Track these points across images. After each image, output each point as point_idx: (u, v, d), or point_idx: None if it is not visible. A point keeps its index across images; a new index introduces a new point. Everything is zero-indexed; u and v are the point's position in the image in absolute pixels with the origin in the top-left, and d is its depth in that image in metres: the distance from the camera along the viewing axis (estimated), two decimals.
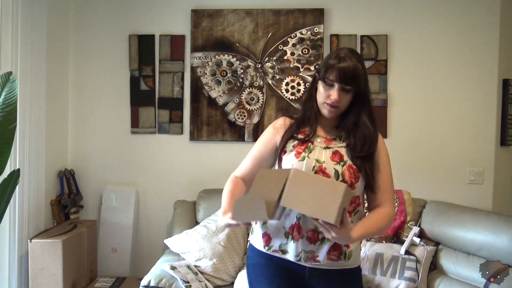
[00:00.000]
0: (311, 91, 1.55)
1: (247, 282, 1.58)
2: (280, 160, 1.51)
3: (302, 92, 3.02)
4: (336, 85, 1.43)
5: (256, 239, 1.54)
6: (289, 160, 1.48)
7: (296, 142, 1.51)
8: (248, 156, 1.61)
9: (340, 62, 1.43)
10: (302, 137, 1.51)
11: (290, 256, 1.46)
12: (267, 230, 1.50)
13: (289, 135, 1.52)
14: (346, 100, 1.46)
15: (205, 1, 3.08)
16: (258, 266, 1.52)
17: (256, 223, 1.55)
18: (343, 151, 1.48)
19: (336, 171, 1.43)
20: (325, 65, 1.46)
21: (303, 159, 1.45)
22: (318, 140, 1.51)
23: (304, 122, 1.54)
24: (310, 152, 1.46)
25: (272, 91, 3.05)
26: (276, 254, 1.49)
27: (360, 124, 1.48)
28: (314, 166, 1.43)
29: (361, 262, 2.48)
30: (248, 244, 1.63)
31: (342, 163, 1.45)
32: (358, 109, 1.49)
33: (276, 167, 1.55)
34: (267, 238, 1.50)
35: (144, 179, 3.14)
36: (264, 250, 1.51)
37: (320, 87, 1.48)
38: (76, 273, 2.65)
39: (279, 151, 1.53)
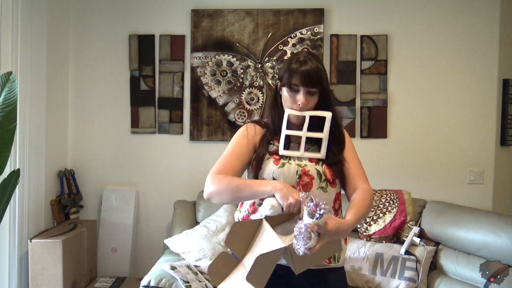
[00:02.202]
0: (276, 98, 1.55)
1: None
2: (259, 168, 1.48)
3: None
4: (302, 89, 1.44)
5: None
6: (269, 168, 1.46)
7: (273, 149, 1.50)
8: (226, 158, 1.51)
9: (302, 65, 1.44)
10: (278, 144, 1.50)
11: (282, 261, 1.41)
12: None
13: (267, 145, 1.51)
14: (313, 102, 1.47)
15: (205, 1, 3.08)
16: None
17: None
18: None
19: (318, 172, 1.45)
20: (288, 70, 1.46)
21: (283, 165, 1.45)
22: (292, 145, 1.51)
23: (275, 130, 1.53)
24: (289, 158, 1.47)
25: (272, 91, 3.05)
26: None
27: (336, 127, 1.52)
28: (297, 171, 1.44)
29: (360, 262, 2.48)
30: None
31: (320, 163, 1.48)
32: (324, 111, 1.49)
33: (248, 174, 1.55)
34: None
35: (144, 179, 3.14)
36: None
37: (285, 93, 1.48)
38: (76, 273, 2.65)
39: (257, 160, 1.49)
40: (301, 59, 1.46)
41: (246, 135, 1.53)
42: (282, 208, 1.30)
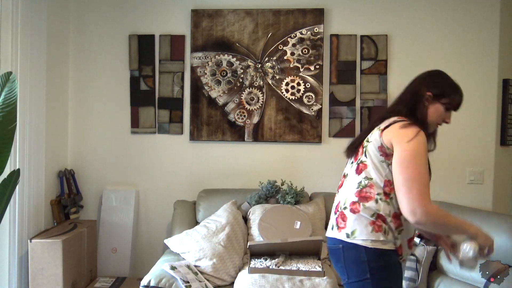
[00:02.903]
0: (416, 106, 1.65)
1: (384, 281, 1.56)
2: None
3: (302, 92, 3.03)
4: (452, 113, 1.66)
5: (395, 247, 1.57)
6: None
7: None
8: (424, 176, 1.49)
9: (462, 96, 1.66)
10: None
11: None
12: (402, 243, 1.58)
13: None
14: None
15: (205, 1, 3.08)
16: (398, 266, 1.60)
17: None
18: None
19: None
20: (458, 95, 1.64)
21: None
22: None
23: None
24: None
25: (272, 91, 3.05)
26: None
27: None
28: None
29: None
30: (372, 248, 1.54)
31: None
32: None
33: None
34: (401, 250, 1.58)
35: (144, 179, 3.14)
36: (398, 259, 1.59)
37: (441, 108, 1.63)
38: (76, 273, 2.66)
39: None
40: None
41: (426, 150, 1.56)
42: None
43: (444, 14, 2.98)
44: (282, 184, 2.91)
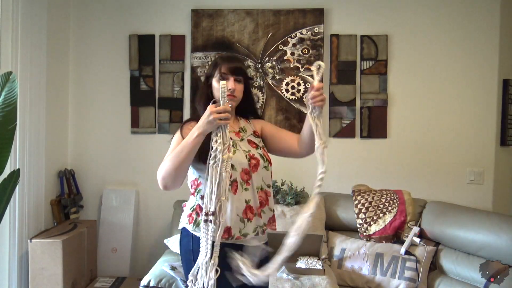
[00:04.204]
0: (207, 91, 1.67)
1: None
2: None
3: (303, 92, 3.03)
4: (231, 77, 1.61)
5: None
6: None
7: None
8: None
9: (229, 61, 1.67)
10: None
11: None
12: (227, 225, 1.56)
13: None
14: (240, 89, 1.65)
15: (205, 1, 3.08)
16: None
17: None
18: (252, 138, 1.70)
19: (260, 155, 1.64)
20: (215, 64, 1.66)
21: (235, 152, 1.58)
22: (231, 135, 1.59)
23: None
24: (235, 146, 1.61)
25: (272, 91, 3.05)
26: (238, 241, 1.58)
27: (255, 112, 1.79)
28: (246, 156, 1.60)
29: (360, 262, 2.48)
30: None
31: (259, 148, 1.67)
32: (248, 99, 1.72)
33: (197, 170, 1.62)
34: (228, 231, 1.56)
35: (144, 179, 3.14)
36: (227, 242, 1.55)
37: (215, 83, 1.63)
38: (76, 273, 2.65)
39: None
40: (224, 57, 1.72)
41: (180, 136, 1.68)
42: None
43: (444, 14, 2.98)
44: (282, 184, 2.91)
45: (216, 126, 1.44)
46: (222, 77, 1.62)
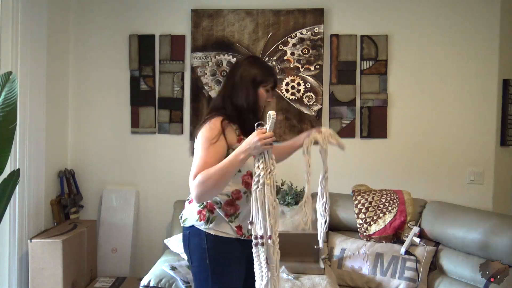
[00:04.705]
0: (254, 95, 1.69)
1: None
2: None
3: (303, 92, 3.03)
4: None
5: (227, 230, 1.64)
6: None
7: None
8: (210, 156, 1.57)
9: (277, 77, 1.77)
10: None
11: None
12: (241, 224, 1.65)
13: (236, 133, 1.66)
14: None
15: (205, 1, 3.08)
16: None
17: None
18: None
19: None
20: (271, 74, 1.72)
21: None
22: None
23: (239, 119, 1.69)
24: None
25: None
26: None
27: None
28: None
29: (360, 262, 2.48)
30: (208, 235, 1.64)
31: None
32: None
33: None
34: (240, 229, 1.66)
35: (144, 179, 3.14)
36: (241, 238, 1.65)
37: (263, 91, 1.71)
38: (76, 273, 2.65)
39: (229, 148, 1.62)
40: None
41: (219, 133, 1.66)
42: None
43: (444, 14, 2.98)
44: (282, 184, 2.91)
45: (261, 151, 1.47)
46: (268, 91, 1.73)
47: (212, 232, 1.61)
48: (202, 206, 1.63)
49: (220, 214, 1.63)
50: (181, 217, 1.72)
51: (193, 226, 1.63)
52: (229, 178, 1.53)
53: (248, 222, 1.49)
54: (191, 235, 1.65)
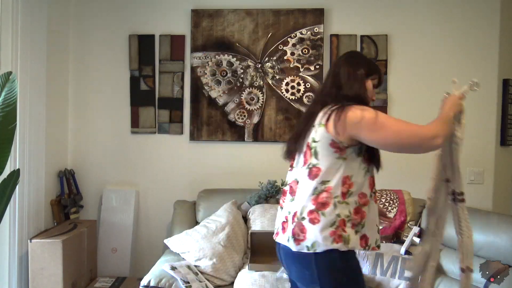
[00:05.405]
0: (364, 86, 1.64)
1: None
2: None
3: (302, 92, 3.03)
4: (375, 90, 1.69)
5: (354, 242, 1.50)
6: None
7: None
8: (397, 120, 1.64)
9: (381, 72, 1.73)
10: None
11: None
12: (365, 233, 1.52)
13: None
14: None
15: (205, 1, 3.08)
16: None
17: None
18: None
19: None
20: (376, 70, 1.67)
21: None
22: None
23: None
24: None
25: (272, 91, 3.05)
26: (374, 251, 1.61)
27: None
28: None
29: (360, 262, 2.48)
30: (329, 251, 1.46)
31: None
32: None
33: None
34: (366, 240, 1.53)
35: (144, 179, 3.14)
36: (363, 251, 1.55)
37: (371, 85, 1.66)
38: (76, 273, 2.66)
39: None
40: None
41: None
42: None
43: (444, 14, 2.98)
44: (282, 184, 2.91)
45: (460, 109, 1.69)
46: (376, 86, 1.69)
47: (344, 249, 1.45)
48: (334, 227, 1.44)
49: (350, 228, 1.47)
50: (297, 239, 1.47)
51: (329, 251, 1.44)
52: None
53: (444, 179, 1.59)
54: (330, 263, 1.46)
